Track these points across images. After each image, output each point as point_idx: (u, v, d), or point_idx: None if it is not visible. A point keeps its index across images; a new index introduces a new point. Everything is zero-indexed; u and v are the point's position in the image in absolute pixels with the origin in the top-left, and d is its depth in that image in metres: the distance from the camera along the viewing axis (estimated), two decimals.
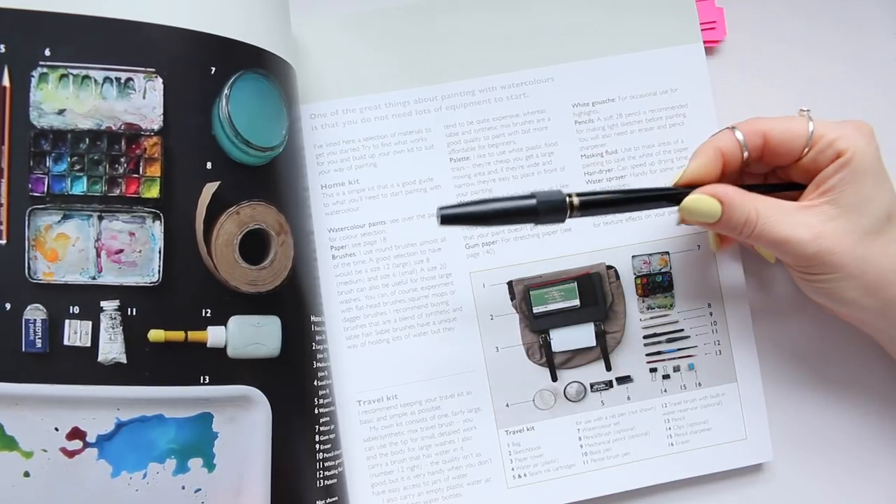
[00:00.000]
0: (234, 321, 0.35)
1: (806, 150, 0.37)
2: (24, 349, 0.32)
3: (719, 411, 0.43)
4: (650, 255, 0.43)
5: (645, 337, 0.43)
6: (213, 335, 0.35)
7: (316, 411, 0.38)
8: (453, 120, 0.42)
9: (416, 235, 0.42)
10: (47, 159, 0.33)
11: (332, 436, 0.39)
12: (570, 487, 0.42)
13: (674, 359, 0.43)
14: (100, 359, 0.33)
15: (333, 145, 0.42)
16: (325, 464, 0.38)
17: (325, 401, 0.39)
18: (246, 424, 0.36)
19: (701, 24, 0.44)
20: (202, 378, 0.35)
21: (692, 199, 0.38)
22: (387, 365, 0.42)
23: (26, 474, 0.33)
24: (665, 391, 0.43)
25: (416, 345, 0.42)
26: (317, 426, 0.38)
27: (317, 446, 0.38)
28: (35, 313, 0.33)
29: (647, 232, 0.43)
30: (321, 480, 0.38)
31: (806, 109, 0.38)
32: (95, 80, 0.33)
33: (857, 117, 0.38)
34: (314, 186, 0.41)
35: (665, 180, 0.43)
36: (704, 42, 0.44)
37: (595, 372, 0.43)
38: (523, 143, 0.43)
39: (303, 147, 0.40)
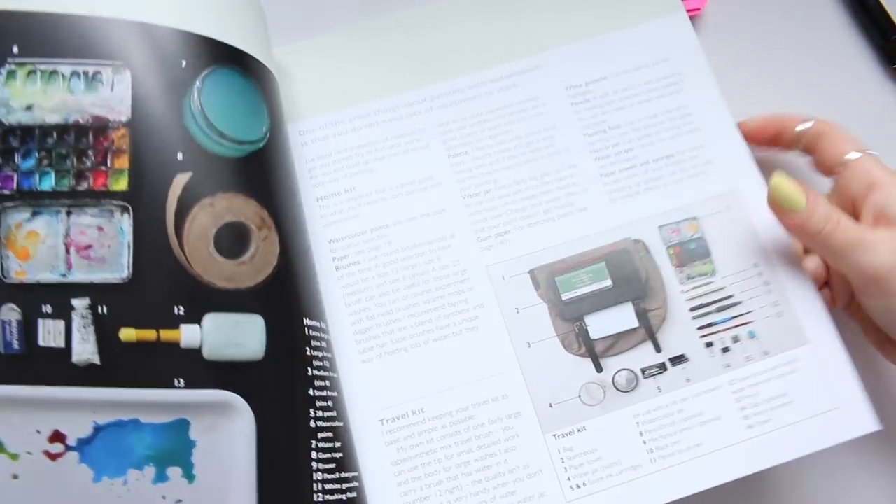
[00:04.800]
0: (209, 319, 0.34)
1: (840, 167, 0.41)
2: (2, 350, 0.32)
3: (797, 380, 0.39)
4: (678, 222, 0.41)
5: (691, 310, 0.40)
6: (187, 334, 0.34)
7: (312, 424, 0.35)
8: (445, 118, 0.43)
9: (422, 235, 0.41)
10: (16, 156, 0.34)
11: (337, 455, 0.36)
12: (641, 492, 0.37)
13: (729, 329, 0.40)
14: (73, 359, 0.32)
15: (325, 157, 0.43)
16: (327, 486, 0.35)
17: (327, 414, 0.36)
18: (226, 433, 0.34)
19: None
20: (177, 381, 0.33)
21: (781, 182, 0.39)
22: (408, 376, 0.39)
23: (15, 476, 0.31)
24: (728, 366, 0.39)
25: (438, 350, 0.39)
26: (314, 441, 0.35)
27: (314, 464, 0.35)
28: (10, 314, 0.32)
29: (669, 199, 0.42)
30: (320, 497, 0.34)
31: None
32: (63, 75, 0.35)
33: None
34: (309, 199, 0.41)
35: (677, 147, 0.43)
36: (687, 11, 0.45)
37: (644, 355, 0.39)
38: (521, 131, 0.43)
39: (290, 147, 0.41)
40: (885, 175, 0.40)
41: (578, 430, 0.38)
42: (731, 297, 0.40)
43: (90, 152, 0.35)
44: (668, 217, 0.42)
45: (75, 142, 0.35)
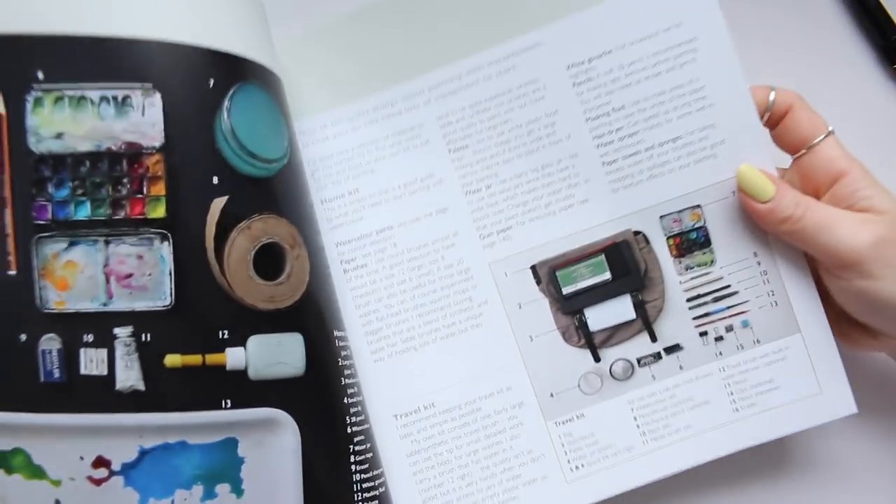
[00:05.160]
0: (253, 341, 0.37)
1: (805, 150, 0.41)
2: (42, 379, 0.34)
3: (785, 367, 0.41)
4: (680, 211, 0.42)
5: (688, 300, 0.42)
6: (233, 357, 0.36)
7: (349, 430, 0.39)
8: (444, 110, 0.43)
9: (426, 235, 0.43)
10: (49, 185, 0.35)
11: (368, 455, 0.40)
12: (632, 471, 0.41)
13: (724, 318, 0.42)
14: (117, 387, 0.35)
15: (327, 159, 0.43)
16: (364, 485, 0.39)
17: (359, 419, 0.40)
18: (274, 448, 0.37)
19: None
20: (224, 402, 0.36)
21: (749, 170, 0.40)
22: (418, 373, 0.42)
23: (57, 502, 0.35)
24: (720, 354, 0.42)
25: (446, 348, 0.42)
26: (351, 446, 0.39)
27: (353, 467, 0.39)
28: (50, 343, 0.35)
29: (673, 187, 0.42)
30: (360, 503, 0.39)
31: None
32: (92, 101, 0.35)
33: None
34: (314, 202, 0.42)
35: (685, 127, 0.42)
36: None
37: (640, 345, 0.42)
38: (522, 119, 0.43)
39: (302, 156, 0.41)
40: (850, 163, 0.40)
41: (577, 417, 0.42)
42: (728, 287, 0.42)
43: (125, 180, 0.36)
44: (671, 206, 0.42)
45: (109, 170, 0.35)
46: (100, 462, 0.35)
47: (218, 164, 0.36)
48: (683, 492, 0.44)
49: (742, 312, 0.42)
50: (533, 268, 0.42)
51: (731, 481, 0.44)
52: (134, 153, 0.35)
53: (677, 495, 0.45)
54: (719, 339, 0.42)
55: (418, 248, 0.43)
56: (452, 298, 0.42)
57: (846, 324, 0.42)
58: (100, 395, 0.35)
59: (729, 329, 0.42)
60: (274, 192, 0.38)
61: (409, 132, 0.43)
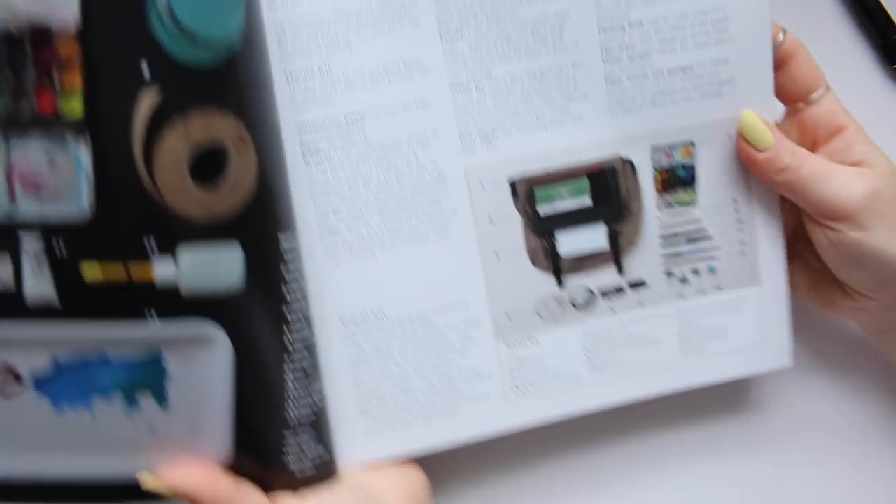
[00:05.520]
0: (185, 255, 0.32)
1: (805, 102, 0.40)
2: None
3: (738, 316, 0.42)
4: (672, 145, 0.39)
5: (662, 237, 0.40)
6: (162, 271, 0.32)
7: (288, 345, 0.36)
8: None
9: (401, 129, 0.38)
10: None
11: (305, 363, 0.37)
12: (573, 400, 0.41)
13: (693, 261, 0.41)
14: (27, 302, 0.31)
15: (297, 24, 0.36)
16: (301, 401, 0.37)
17: (301, 334, 0.37)
18: (203, 363, 0.34)
19: None
20: (149, 315, 0.32)
21: (752, 116, 0.39)
22: (373, 279, 0.39)
23: None
24: (681, 296, 0.41)
25: (406, 255, 0.39)
26: (288, 357, 0.36)
27: (287, 382, 0.36)
28: None
29: (672, 119, 0.39)
30: (292, 411, 0.36)
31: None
32: None
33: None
34: (277, 77, 0.36)
35: (698, 58, 0.38)
36: None
37: (606, 277, 0.41)
38: (529, 15, 0.37)
39: (265, 33, 0.35)
40: (849, 118, 0.40)
41: (529, 340, 0.41)
42: (703, 230, 0.41)
43: (29, 68, 0.29)
44: (665, 138, 0.39)
45: (7, 54, 0.28)
46: (7, 372, 0.32)
47: (151, 51, 0.30)
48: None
49: (711, 258, 0.41)
50: (512, 182, 0.39)
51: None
52: (40, 35, 0.28)
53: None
54: (684, 280, 0.41)
55: (390, 143, 0.38)
56: (420, 204, 0.39)
57: (823, 284, 0.42)
58: (5, 310, 0.31)
59: (695, 272, 0.41)
60: (219, 82, 0.32)
61: (398, 7, 0.37)
